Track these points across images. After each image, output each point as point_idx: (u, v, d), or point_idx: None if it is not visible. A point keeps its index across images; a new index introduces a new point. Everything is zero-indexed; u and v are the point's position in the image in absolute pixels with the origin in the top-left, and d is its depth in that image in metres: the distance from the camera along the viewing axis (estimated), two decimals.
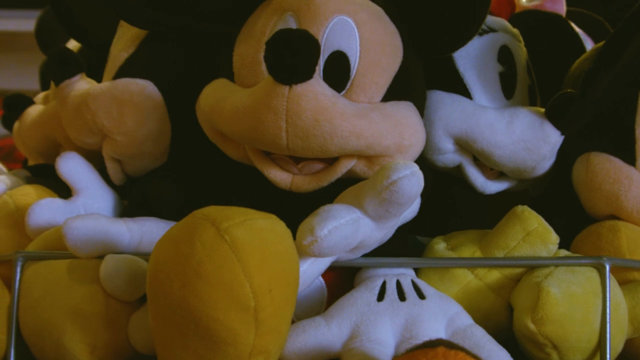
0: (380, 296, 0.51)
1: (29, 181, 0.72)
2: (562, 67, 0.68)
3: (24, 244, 0.61)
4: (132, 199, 0.64)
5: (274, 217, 0.44)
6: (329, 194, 0.53)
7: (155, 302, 0.43)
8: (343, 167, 0.52)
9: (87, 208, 0.61)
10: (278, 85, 0.48)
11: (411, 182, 0.46)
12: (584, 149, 0.60)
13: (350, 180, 0.53)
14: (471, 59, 0.61)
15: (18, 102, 0.85)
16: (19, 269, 0.55)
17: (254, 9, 0.56)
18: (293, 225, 0.47)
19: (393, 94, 0.53)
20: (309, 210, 0.50)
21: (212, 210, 0.42)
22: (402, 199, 0.47)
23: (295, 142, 0.49)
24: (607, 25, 0.88)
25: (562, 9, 0.83)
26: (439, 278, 0.54)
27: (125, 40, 0.63)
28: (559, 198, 0.64)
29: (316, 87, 0.49)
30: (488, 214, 0.66)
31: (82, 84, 0.63)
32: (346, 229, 0.46)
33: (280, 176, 0.53)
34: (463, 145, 0.59)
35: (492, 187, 0.62)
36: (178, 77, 0.60)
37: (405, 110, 0.53)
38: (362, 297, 0.50)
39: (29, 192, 0.64)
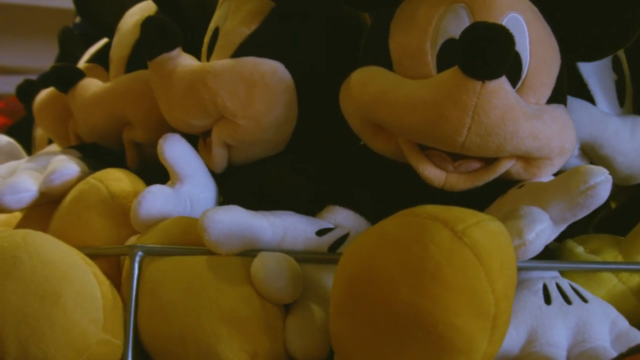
0: (547, 299, 0.49)
1: (90, 164, 0.63)
2: None
3: (124, 236, 0.54)
4: (239, 187, 0.57)
5: (496, 219, 0.41)
6: (476, 195, 0.51)
7: (359, 308, 0.39)
8: (502, 168, 0.50)
9: (192, 198, 0.55)
10: (470, 80, 0.45)
11: (606, 187, 0.45)
12: None
13: (500, 180, 0.51)
14: (592, 66, 0.61)
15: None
16: (137, 265, 0.48)
17: None
18: None
19: (555, 96, 0.52)
20: None
21: (437, 210, 0.39)
22: (594, 204, 0.46)
23: (473, 140, 0.47)
24: None
25: None
26: (586, 281, 0.53)
27: (242, 15, 0.57)
28: None
29: (505, 85, 0.46)
30: None
31: (185, 59, 0.56)
32: (548, 232, 0.44)
33: (434, 173, 0.50)
34: (587, 150, 0.59)
35: None
36: (308, 60, 0.55)
37: (565, 114, 0.52)
38: (530, 301, 0.48)
39: (119, 177, 0.56)
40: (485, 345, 0.38)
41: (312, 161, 0.57)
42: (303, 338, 0.45)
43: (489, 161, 0.51)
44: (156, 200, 0.51)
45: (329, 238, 0.51)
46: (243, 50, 0.55)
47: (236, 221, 0.47)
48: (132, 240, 0.53)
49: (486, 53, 0.44)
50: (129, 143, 0.68)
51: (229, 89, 0.53)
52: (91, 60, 0.82)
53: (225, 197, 0.58)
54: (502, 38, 0.44)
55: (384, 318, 0.38)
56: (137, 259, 0.48)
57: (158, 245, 0.48)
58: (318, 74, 0.55)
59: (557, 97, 0.52)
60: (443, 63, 0.49)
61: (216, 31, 0.59)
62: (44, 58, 1.16)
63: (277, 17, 0.56)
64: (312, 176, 0.56)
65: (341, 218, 0.52)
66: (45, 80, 0.70)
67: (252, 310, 0.44)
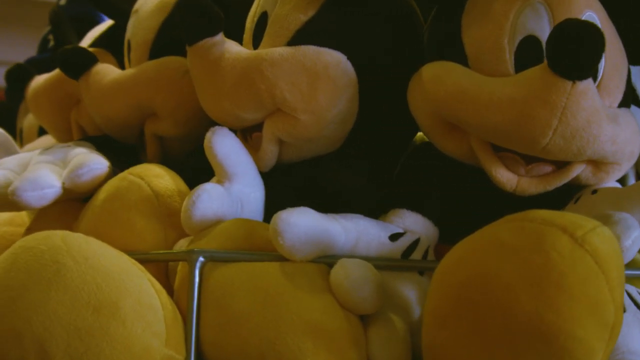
0: None
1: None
2: None
3: (171, 240, 0.49)
4: (287, 187, 0.53)
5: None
6: (542, 199, 0.49)
7: (468, 318, 0.36)
8: (574, 172, 0.49)
9: (242, 198, 0.50)
10: (560, 80, 0.43)
11: None
12: None
13: (566, 185, 0.50)
14: (637, 71, 0.61)
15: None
16: (197, 272, 0.43)
17: None
18: None
19: (625, 100, 0.51)
20: None
21: (552, 215, 0.37)
22: None
23: (556, 143, 0.45)
24: None
25: None
26: None
27: (297, 0, 0.53)
28: None
29: (592, 86, 0.45)
30: None
31: (233, 45, 0.52)
32: None
33: (506, 176, 0.48)
34: None
35: None
36: (371, 52, 0.52)
37: (633, 118, 0.51)
38: None
39: (160, 173, 0.51)
40: (601, 356, 0.36)
41: (369, 160, 0.54)
42: (389, 351, 0.42)
43: (561, 165, 0.49)
44: (212, 201, 0.47)
45: (402, 243, 0.48)
46: (300, 38, 0.51)
47: (312, 225, 0.43)
48: (181, 244, 0.48)
49: (579, 53, 0.42)
50: (151, 136, 0.62)
51: (289, 79, 0.49)
52: (95, 44, 0.76)
53: (271, 198, 0.54)
54: (594, 37, 0.43)
55: (500, 328, 0.35)
56: (199, 265, 0.43)
57: (222, 250, 0.44)
58: (380, 67, 0.52)
59: (626, 101, 0.51)
60: (521, 60, 0.47)
61: (264, 16, 0.54)
62: (19, 49, 1.08)
63: (337, 3, 0.52)
64: (371, 176, 0.53)
65: (410, 222, 0.50)
66: (55, 64, 0.63)
67: (338, 321, 0.41)
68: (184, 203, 0.47)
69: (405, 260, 0.47)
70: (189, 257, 0.44)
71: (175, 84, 0.59)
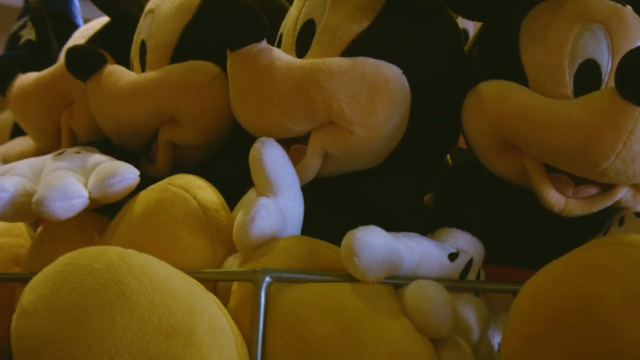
0: None
1: None
2: None
3: (219, 257, 0.46)
4: (326, 201, 0.51)
5: None
6: (581, 220, 0.50)
7: (565, 342, 0.36)
8: (619, 195, 0.50)
9: (287, 213, 0.47)
10: (629, 105, 0.44)
11: None
12: None
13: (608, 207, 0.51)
14: None
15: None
16: (263, 294, 0.40)
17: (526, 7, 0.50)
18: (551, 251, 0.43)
19: None
20: (559, 235, 0.49)
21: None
22: None
23: (616, 167, 0.46)
24: None
25: None
26: None
27: (348, 9, 0.50)
28: None
29: None
30: None
31: (281, 52, 0.49)
32: None
33: (556, 198, 0.49)
34: None
35: None
36: (424, 67, 0.51)
37: None
38: None
39: (202, 185, 0.47)
40: None
41: (414, 177, 0.53)
42: None
43: (606, 187, 0.50)
44: (270, 217, 0.44)
45: (459, 264, 0.47)
46: (355, 49, 0.49)
47: (386, 245, 0.42)
48: (231, 262, 0.45)
49: None
50: (165, 144, 0.58)
51: (348, 92, 0.47)
52: (90, 44, 0.71)
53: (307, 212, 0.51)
54: None
55: (604, 352, 0.35)
56: (265, 285, 0.40)
57: (290, 270, 0.41)
58: (429, 83, 0.51)
59: None
60: (580, 83, 0.47)
61: (310, 24, 0.52)
62: None
63: (391, 15, 0.50)
64: (414, 193, 0.52)
65: (462, 242, 0.49)
66: (67, 66, 0.58)
67: (417, 345, 0.39)
68: (240, 218, 0.44)
69: (478, 282, 0.46)
70: (254, 277, 0.41)
71: (204, 90, 0.55)
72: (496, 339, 0.50)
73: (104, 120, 0.59)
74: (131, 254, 0.38)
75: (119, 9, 0.69)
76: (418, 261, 0.45)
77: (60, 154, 0.55)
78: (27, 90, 0.69)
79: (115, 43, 0.67)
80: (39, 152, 0.76)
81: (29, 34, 0.87)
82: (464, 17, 0.54)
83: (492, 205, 0.52)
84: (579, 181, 0.49)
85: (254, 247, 0.44)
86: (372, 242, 0.41)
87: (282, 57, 0.49)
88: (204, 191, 0.47)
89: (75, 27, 0.91)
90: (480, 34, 0.54)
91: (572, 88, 0.48)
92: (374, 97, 0.47)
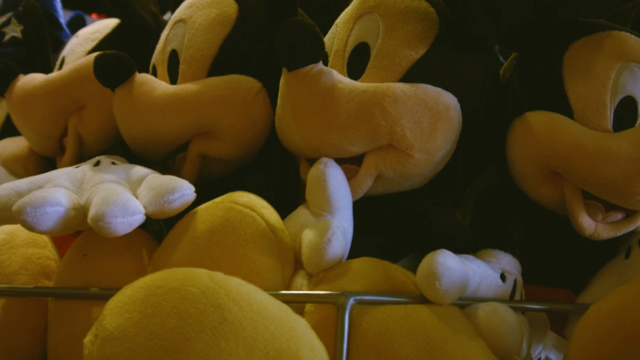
0: None
1: None
2: None
3: (287, 278, 0.46)
4: (366, 217, 0.52)
5: None
6: (603, 242, 0.54)
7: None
8: None
9: (344, 233, 0.48)
10: None
11: None
12: None
13: None
14: None
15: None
16: (347, 315, 0.41)
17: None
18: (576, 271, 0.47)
19: None
20: (584, 257, 0.54)
21: None
22: None
23: None
24: None
25: None
26: None
27: (404, 35, 0.52)
28: None
29: None
30: None
31: (339, 74, 0.50)
32: None
33: (588, 223, 0.52)
34: None
35: None
36: (470, 94, 0.52)
37: None
38: None
39: (264, 204, 0.47)
40: None
41: (449, 197, 0.55)
42: None
43: (630, 213, 0.54)
44: (344, 240, 0.44)
45: (509, 284, 0.49)
46: (413, 75, 0.51)
47: (462, 269, 0.43)
48: (300, 283, 0.45)
49: None
50: (195, 156, 0.57)
51: (412, 117, 0.48)
52: (100, 47, 0.68)
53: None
54: None
55: None
56: (349, 308, 0.41)
57: (372, 293, 0.42)
58: (475, 110, 0.53)
59: None
60: (619, 118, 0.51)
61: (363, 47, 0.53)
62: None
63: (446, 43, 0.52)
64: (454, 213, 0.54)
65: (505, 263, 0.51)
66: (96, 73, 0.55)
67: None
68: (314, 240, 0.44)
69: (543, 303, 0.49)
70: (338, 299, 0.41)
71: (247, 106, 0.55)
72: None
73: (131, 130, 0.57)
74: (223, 277, 0.37)
75: (136, 15, 0.67)
76: (478, 283, 0.46)
77: (96, 164, 0.52)
78: (34, 92, 0.65)
79: (124, 48, 0.65)
80: (31, 155, 0.72)
81: (14, 30, 0.82)
82: (506, 47, 0.57)
83: (525, 227, 0.55)
84: (609, 207, 0.53)
85: (325, 268, 0.44)
86: (452, 267, 0.42)
87: (343, 79, 0.50)
88: (268, 211, 0.47)
89: (59, 25, 0.88)
90: (517, 64, 0.56)
91: (612, 122, 0.51)
92: (435, 123, 0.49)
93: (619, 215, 0.53)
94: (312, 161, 0.54)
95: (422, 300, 0.43)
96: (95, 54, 0.65)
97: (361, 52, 0.53)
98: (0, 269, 0.50)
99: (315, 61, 0.49)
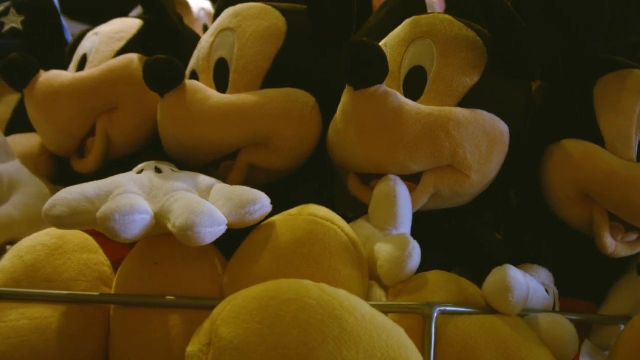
0: None
1: None
2: None
3: (366, 288, 0.48)
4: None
5: None
6: (616, 261, 0.61)
7: None
8: None
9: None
10: None
11: None
12: None
13: None
14: None
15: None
16: (434, 325, 0.44)
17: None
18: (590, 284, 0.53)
19: None
20: (603, 272, 0.60)
21: None
22: None
23: None
24: None
25: None
26: None
27: (459, 62, 0.55)
28: None
29: None
30: None
31: (404, 97, 0.53)
32: None
33: (610, 242, 0.58)
34: None
35: None
36: (515, 119, 0.56)
37: None
38: None
39: (340, 218, 0.48)
40: None
41: (489, 214, 0.59)
42: None
43: None
44: (420, 253, 0.47)
45: (552, 297, 0.54)
46: (469, 100, 0.54)
47: (526, 282, 0.47)
48: (379, 294, 0.47)
49: None
50: (243, 165, 0.58)
51: (473, 141, 0.52)
52: (127, 49, 0.67)
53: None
54: None
55: None
56: (435, 318, 0.44)
57: (452, 304, 0.45)
58: (520, 135, 0.57)
59: None
60: None
61: (418, 70, 0.56)
62: None
63: (497, 71, 0.56)
64: (495, 230, 0.58)
65: (544, 277, 0.56)
66: (146, 77, 0.54)
67: None
68: (395, 254, 0.46)
69: (591, 316, 0.53)
70: (424, 310, 0.44)
71: (305, 120, 0.57)
72: None
73: (180, 136, 0.57)
74: (332, 289, 0.39)
75: (168, 17, 0.67)
76: (532, 295, 0.51)
77: (159, 171, 0.52)
78: (61, 90, 0.63)
79: (154, 49, 0.65)
80: (43, 153, 0.70)
81: (13, 21, 0.78)
82: (539, 79, 0.63)
83: (554, 244, 0.60)
84: (628, 228, 0.59)
85: (403, 280, 0.47)
86: (521, 281, 0.46)
87: (408, 101, 0.53)
88: (345, 224, 0.48)
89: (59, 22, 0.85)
90: (549, 94, 0.62)
91: (637, 152, 0.57)
92: (492, 147, 0.53)
93: (634, 236, 0.60)
94: (362, 176, 0.56)
95: (492, 311, 0.47)
96: (133, 56, 0.65)
97: (417, 76, 0.56)
98: (57, 274, 0.49)
99: (380, 82, 0.52)
